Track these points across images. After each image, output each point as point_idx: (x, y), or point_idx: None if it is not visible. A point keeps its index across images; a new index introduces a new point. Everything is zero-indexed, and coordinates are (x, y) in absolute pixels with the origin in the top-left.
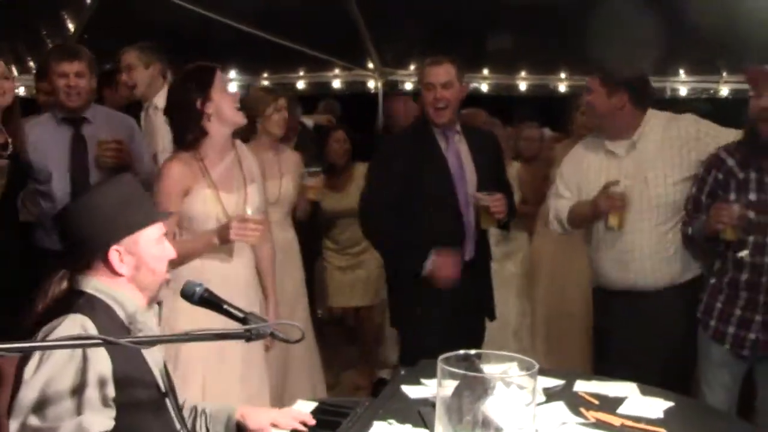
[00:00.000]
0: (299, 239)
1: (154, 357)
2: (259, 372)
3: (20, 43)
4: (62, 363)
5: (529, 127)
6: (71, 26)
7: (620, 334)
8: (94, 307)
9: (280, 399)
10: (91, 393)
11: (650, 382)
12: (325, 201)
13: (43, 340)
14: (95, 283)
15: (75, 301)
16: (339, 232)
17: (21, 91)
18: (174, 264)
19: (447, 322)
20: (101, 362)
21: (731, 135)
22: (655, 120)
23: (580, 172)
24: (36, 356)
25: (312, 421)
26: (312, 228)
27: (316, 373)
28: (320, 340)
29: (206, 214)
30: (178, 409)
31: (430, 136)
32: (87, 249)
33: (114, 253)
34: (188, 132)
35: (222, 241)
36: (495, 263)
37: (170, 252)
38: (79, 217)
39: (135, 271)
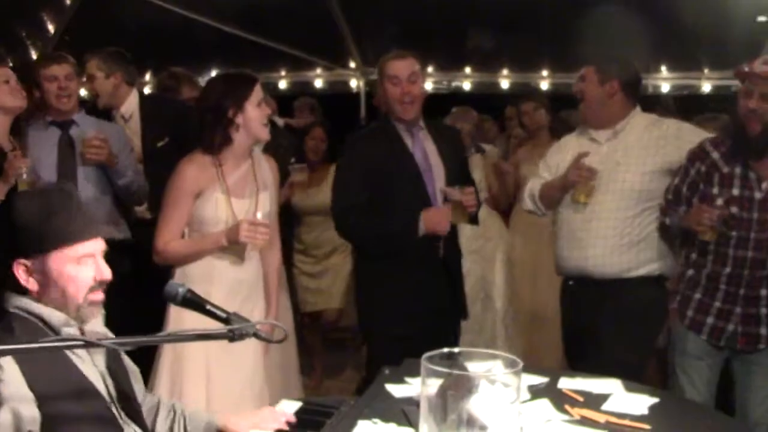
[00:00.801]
0: None
1: (92, 364)
2: (262, 374)
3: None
4: None
5: (529, 104)
6: (51, 28)
7: (582, 328)
8: (13, 331)
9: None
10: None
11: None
12: (295, 196)
13: None
14: (17, 300)
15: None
16: (306, 230)
17: None
18: (182, 262)
19: (419, 323)
20: (17, 402)
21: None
22: (640, 117)
23: (560, 155)
24: None
25: (292, 419)
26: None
27: (293, 376)
28: (300, 346)
29: (216, 218)
30: (136, 412)
31: (394, 133)
32: None
33: (19, 267)
34: (215, 136)
35: (230, 242)
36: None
37: (97, 272)
38: None
39: (43, 289)
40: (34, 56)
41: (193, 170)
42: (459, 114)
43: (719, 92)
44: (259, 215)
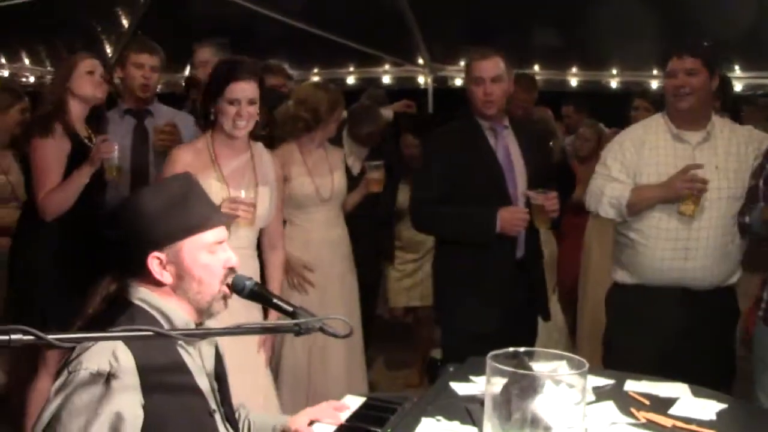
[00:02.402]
0: (367, 236)
1: (201, 365)
2: (262, 370)
3: (76, 39)
4: (82, 389)
5: (586, 125)
6: (125, 22)
7: (647, 336)
8: (134, 323)
9: (315, 396)
10: (98, 429)
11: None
12: (400, 194)
13: (75, 359)
14: (142, 293)
15: (117, 314)
16: (405, 228)
17: None
18: None
19: (493, 322)
20: (124, 401)
21: None
22: (720, 121)
23: (641, 155)
24: (64, 374)
25: (350, 411)
26: (378, 224)
27: (358, 373)
28: (377, 341)
29: None
30: (230, 422)
31: (477, 130)
32: (127, 254)
33: (153, 261)
34: (210, 114)
35: None
36: None
37: (229, 261)
38: (123, 219)
39: (178, 281)
40: (109, 51)
41: (185, 156)
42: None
43: None
44: (242, 193)
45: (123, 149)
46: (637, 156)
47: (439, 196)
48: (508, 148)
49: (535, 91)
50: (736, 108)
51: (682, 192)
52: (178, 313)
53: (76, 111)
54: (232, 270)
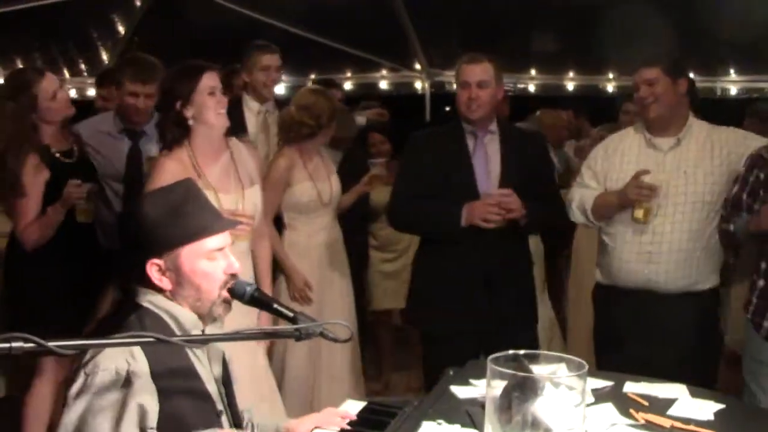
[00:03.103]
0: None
1: (209, 369)
2: (267, 375)
3: (72, 45)
4: (104, 389)
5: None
6: (121, 29)
7: (625, 338)
8: (144, 325)
9: (319, 403)
10: (128, 426)
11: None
12: (373, 193)
13: (90, 361)
14: (150, 296)
15: (127, 317)
16: (379, 227)
17: (72, 93)
18: None
19: (457, 324)
20: (144, 395)
21: None
22: (698, 124)
23: (611, 162)
24: (81, 378)
25: (353, 418)
26: (355, 224)
27: (356, 377)
28: (369, 343)
29: None
30: (236, 425)
31: (459, 135)
32: (129, 261)
33: (152, 267)
34: (167, 132)
35: None
36: None
37: (230, 267)
38: (125, 226)
39: (177, 287)
40: (105, 57)
41: (171, 167)
42: (547, 116)
43: None
44: (239, 205)
45: (117, 169)
46: (608, 163)
47: (414, 194)
48: (486, 152)
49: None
50: (738, 117)
51: (634, 198)
52: (187, 315)
53: (49, 132)
54: (233, 276)
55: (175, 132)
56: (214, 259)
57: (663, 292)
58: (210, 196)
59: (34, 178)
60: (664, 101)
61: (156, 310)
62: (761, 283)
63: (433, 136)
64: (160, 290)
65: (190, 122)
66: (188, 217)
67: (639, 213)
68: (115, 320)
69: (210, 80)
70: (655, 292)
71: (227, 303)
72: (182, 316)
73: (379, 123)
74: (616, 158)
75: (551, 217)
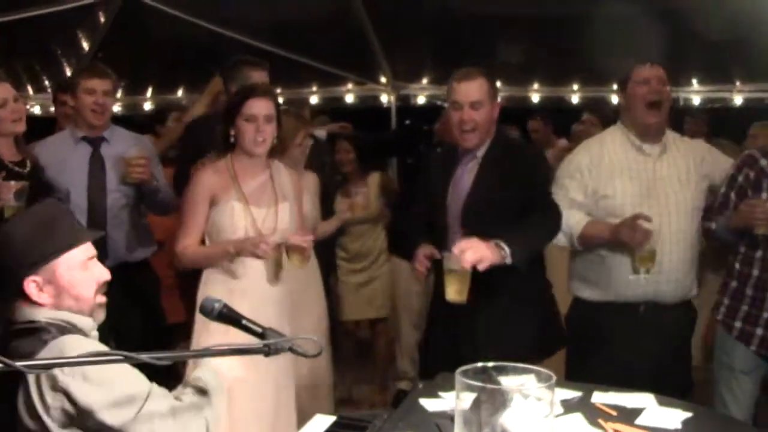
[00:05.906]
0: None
1: None
2: (288, 387)
3: (35, 61)
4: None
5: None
6: (86, 45)
7: (619, 350)
8: (62, 328)
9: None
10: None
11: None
12: (337, 207)
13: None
14: (45, 312)
15: (37, 327)
16: (350, 240)
17: (36, 110)
18: (196, 266)
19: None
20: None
21: (728, 162)
22: (670, 132)
23: (599, 171)
24: (78, 377)
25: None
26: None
27: (324, 390)
28: (333, 355)
29: (234, 227)
30: None
31: (451, 159)
32: (5, 281)
33: (30, 284)
34: (220, 141)
35: (237, 251)
36: None
37: (100, 274)
38: None
39: (56, 300)
40: (69, 73)
41: (207, 177)
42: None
43: (750, 105)
44: (271, 222)
45: (80, 180)
46: (596, 171)
47: (409, 207)
48: (463, 179)
49: None
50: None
51: (626, 240)
52: (84, 319)
53: (2, 143)
54: (105, 284)
55: (221, 145)
56: (88, 269)
57: (668, 301)
58: (241, 207)
59: None
60: (666, 106)
61: (56, 322)
62: (734, 284)
63: (437, 156)
64: (39, 305)
65: (232, 140)
66: (56, 231)
67: (643, 263)
68: (26, 334)
69: (251, 108)
70: (656, 302)
71: (102, 306)
72: (81, 322)
73: (346, 134)
74: (604, 165)
75: (539, 240)
